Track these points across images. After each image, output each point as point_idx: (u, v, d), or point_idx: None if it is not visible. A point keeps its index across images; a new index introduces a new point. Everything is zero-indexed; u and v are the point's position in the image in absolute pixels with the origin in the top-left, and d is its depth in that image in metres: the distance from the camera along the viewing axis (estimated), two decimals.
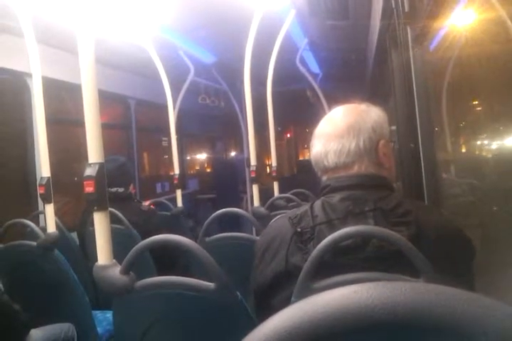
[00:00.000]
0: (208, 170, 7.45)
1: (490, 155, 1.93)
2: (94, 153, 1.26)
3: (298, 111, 6.48)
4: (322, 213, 0.88)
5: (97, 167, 1.25)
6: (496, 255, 1.53)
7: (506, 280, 1.32)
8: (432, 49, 1.92)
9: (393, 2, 1.93)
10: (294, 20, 3.32)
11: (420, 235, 0.81)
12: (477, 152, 2.16)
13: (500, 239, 1.55)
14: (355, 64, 4.70)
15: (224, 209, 1.95)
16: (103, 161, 1.27)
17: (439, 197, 1.78)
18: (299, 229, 0.88)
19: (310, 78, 4.54)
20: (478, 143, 2.11)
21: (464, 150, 2.44)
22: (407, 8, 1.80)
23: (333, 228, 0.84)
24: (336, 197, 0.90)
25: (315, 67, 5.58)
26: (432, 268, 0.76)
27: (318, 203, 0.92)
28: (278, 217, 1.03)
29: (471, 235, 0.90)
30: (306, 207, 0.94)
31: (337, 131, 0.95)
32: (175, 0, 2.78)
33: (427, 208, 1.01)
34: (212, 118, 6.36)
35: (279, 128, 7.47)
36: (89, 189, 1.25)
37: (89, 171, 1.25)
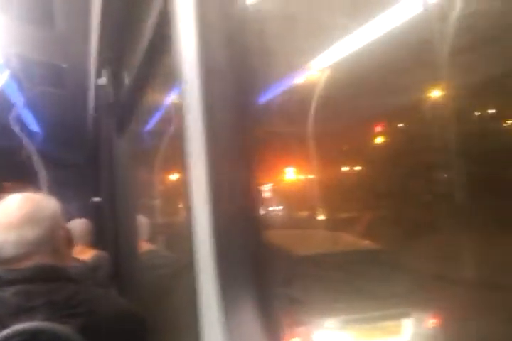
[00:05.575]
0: None
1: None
2: None
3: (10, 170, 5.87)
4: None
5: None
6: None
7: None
8: None
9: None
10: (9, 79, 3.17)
11: (94, 324, 0.86)
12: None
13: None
14: (76, 128, 4.70)
15: None
16: None
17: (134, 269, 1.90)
18: None
19: (24, 137, 4.34)
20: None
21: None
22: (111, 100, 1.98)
23: (3, 325, 0.81)
24: (7, 291, 0.87)
25: (35, 126, 5.29)
26: None
27: None
28: None
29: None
30: None
31: (14, 221, 0.92)
32: None
33: (106, 295, 1.06)
34: None
35: None
36: None
37: None
